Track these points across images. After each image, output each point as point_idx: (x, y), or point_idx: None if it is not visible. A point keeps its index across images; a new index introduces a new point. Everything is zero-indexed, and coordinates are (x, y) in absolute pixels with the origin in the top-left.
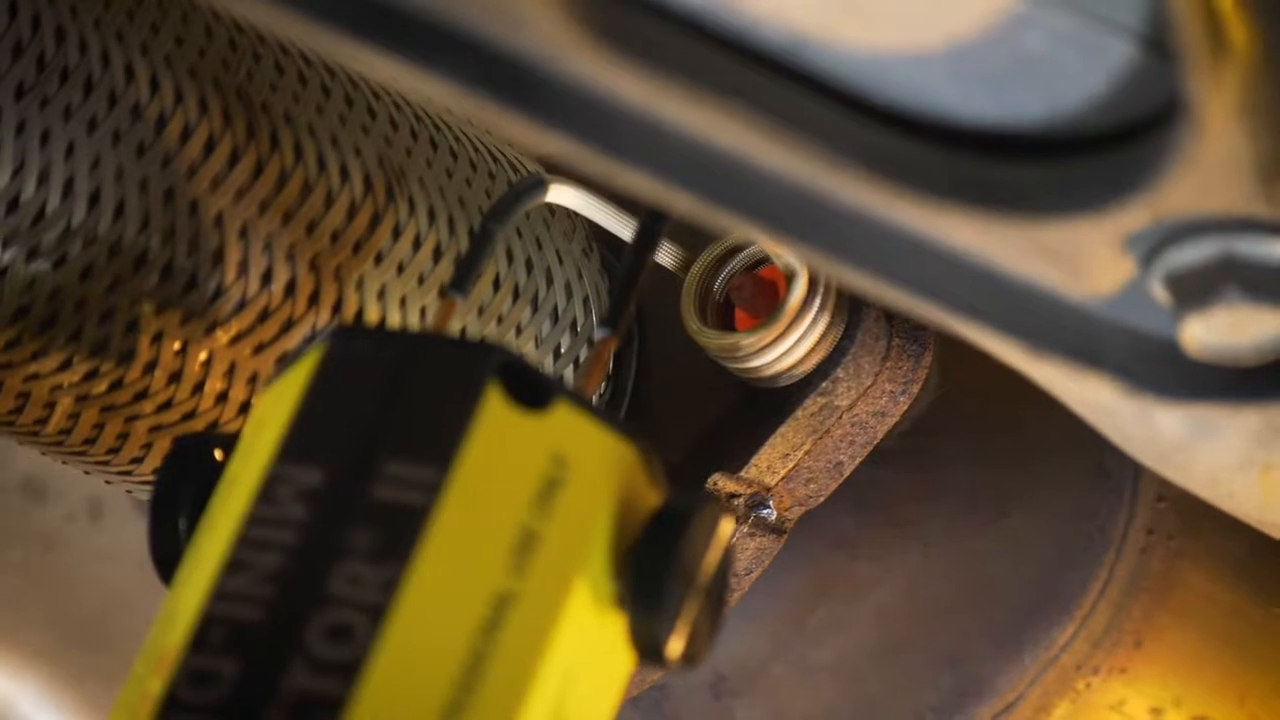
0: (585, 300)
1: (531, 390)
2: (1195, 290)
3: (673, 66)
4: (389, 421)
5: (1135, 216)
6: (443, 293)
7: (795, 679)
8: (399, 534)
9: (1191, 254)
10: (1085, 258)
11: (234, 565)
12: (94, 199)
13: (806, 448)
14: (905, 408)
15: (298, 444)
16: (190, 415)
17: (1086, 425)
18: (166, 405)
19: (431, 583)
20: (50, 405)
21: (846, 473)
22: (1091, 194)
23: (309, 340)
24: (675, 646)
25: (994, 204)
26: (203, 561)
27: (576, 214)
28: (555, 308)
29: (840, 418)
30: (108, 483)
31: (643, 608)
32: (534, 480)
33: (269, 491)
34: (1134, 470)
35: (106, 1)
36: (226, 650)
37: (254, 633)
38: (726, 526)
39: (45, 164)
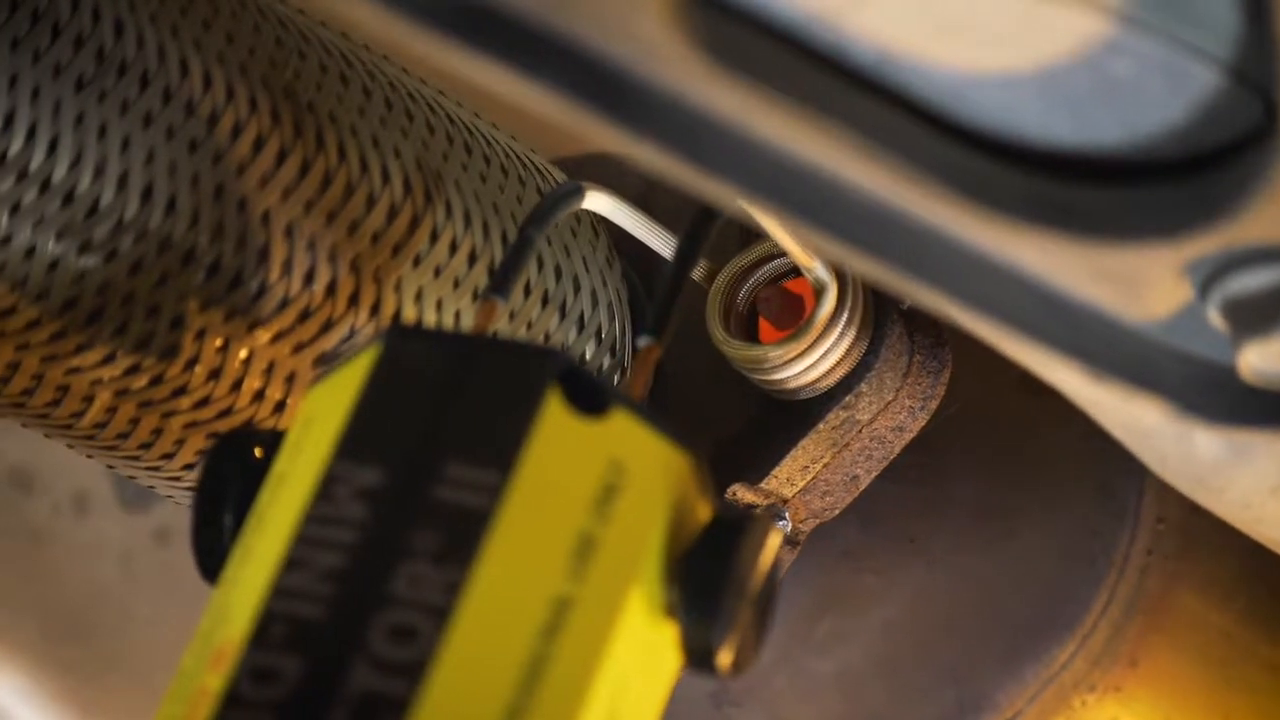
0: (609, 307)
1: (591, 396)
2: (1253, 318)
3: (770, 79)
4: (449, 423)
5: (1206, 243)
6: (477, 296)
7: (797, 690)
8: (462, 536)
9: (1250, 281)
10: (1145, 282)
11: (293, 563)
12: (146, 194)
13: (825, 460)
14: (924, 423)
15: (356, 443)
16: (226, 412)
17: (1092, 445)
18: (204, 402)
19: (494, 586)
20: (89, 399)
21: (862, 486)
22: (1166, 220)
23: (346, 340)
24: (726, 656)
25: (1067, 226)
26: (257, 558)
27: (599, 223)
28: (581, 315)
29: (860, 431)
30: (131, 478)
31: (697, 616)
32: (592, 486)
33: (327, 489)
34: (1137, 491)
35: None
36: (288, 647)
37: (316, 631)
38: (775, 539)
39: (101, 157)
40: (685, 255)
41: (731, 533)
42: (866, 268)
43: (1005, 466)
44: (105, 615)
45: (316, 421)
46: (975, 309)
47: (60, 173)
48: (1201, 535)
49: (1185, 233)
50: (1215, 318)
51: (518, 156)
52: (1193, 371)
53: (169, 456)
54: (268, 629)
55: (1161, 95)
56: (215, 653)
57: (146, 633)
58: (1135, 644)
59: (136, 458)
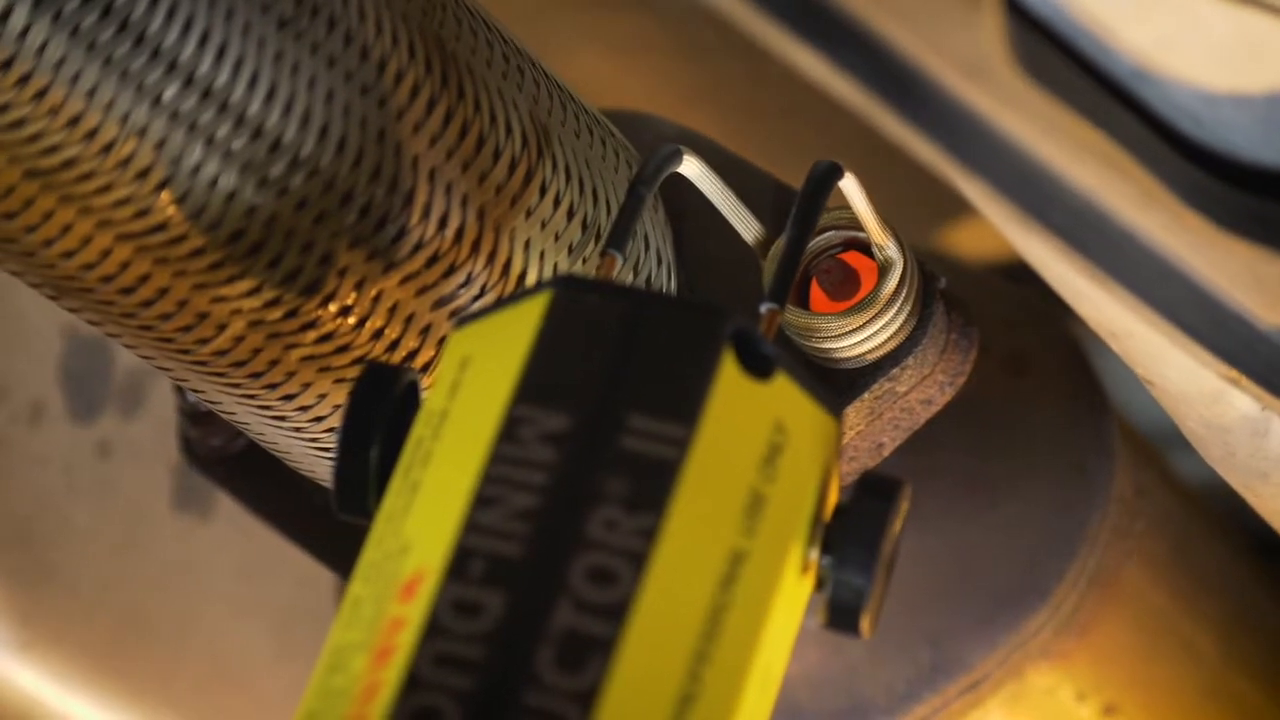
0: (668, 268)
1: (758, 358)
2: None
3: (1053, 87)
4: (629, 375)
5: None
6: (572, 250)
7: None
8: (653, 485)
9: None
10: None
11: (484, 500)
12: (323, 133)
13: (860, 428)
14: (950, 398)
15: (536, 387)
16: (344, 349)
17: (1069, 426)
18: (327, 338)
19: (683, 535)
20: (222, 327)
21: (885, 454)
22: None
23: (463, 285)
24: (869, 618)
25: (1254, 236)
26: (434, 492)
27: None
28: (650, 274)
29: (895, 403)
30: (214, 404)
31: (847, 577)
32: (761, 445)
33: (511, 430)
34: (1108, 472)
35: None
36: (488, 582)
37: (516, 568)
38: (906, 504)
39: (291, 95)
40: (805, 222)
41: (884, 498)
42: (1063, 262)
43: (990, 441)
44: (45, 525)
45: (477, 362)
46: (1152, 308)
47: (255, 107)
48: (1148, 515)
49: None
50: None
51: (592, 114)
52: None
53: (273, 386)
54: (465, 563)
55: None
56: (404, 584)
57: (81, 544)
58: (1088, 616)
59: (238, 385)
